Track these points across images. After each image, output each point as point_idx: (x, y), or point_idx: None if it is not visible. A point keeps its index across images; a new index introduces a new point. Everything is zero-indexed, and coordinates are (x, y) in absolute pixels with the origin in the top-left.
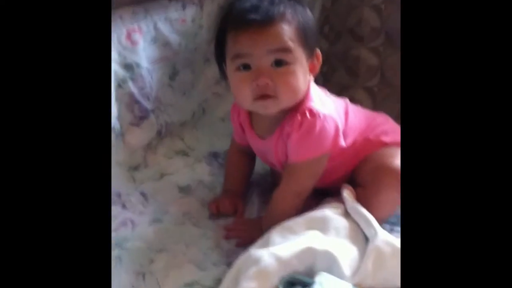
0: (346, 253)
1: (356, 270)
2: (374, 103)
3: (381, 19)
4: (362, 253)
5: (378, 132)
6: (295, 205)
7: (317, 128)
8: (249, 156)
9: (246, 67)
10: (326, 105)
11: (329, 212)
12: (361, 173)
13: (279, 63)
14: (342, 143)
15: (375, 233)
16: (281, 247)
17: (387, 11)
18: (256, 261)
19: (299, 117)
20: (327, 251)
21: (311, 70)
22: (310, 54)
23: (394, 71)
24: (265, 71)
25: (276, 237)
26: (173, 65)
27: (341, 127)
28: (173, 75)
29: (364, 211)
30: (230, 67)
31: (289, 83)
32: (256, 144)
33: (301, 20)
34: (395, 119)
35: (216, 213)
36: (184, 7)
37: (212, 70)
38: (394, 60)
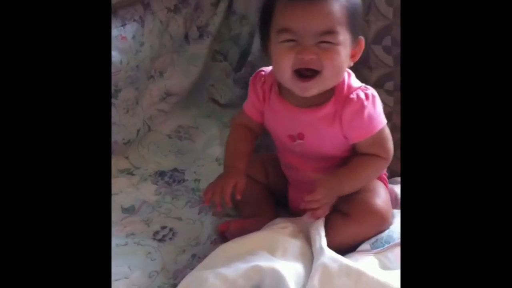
0: (293, 270)
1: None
2: None
3: None
4: (309, 270)
5: None
6: (378, 172)
7: (377, 97)
8: (253, 133)
9: (292, 41)
10: None
11: (276, 232)
12: (345, 199)
13: (324, 43)
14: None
15: (321, 250)
16: (227, 266)
17: None
18: (202, 282)
19: (360, 91)
20: (274, 269)
21: (352, 57)
22: (354, 39)
23: None
24: (311, 47)
25: (221, 259)
26: (114, 82)
27: None
28: (115, 93)
29: (321, 230)
30: (274, 39)
31: (334, 59)
32: (284, 111)
33: (352, 2)
34: None
35: (216, 200)
36: (124, 24)
37: (157, 86)
38: None
